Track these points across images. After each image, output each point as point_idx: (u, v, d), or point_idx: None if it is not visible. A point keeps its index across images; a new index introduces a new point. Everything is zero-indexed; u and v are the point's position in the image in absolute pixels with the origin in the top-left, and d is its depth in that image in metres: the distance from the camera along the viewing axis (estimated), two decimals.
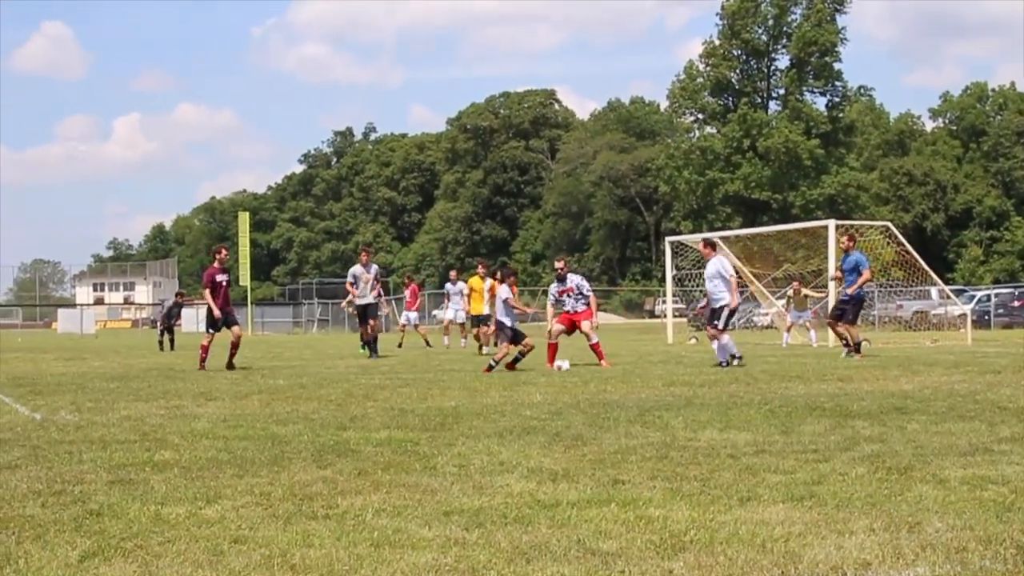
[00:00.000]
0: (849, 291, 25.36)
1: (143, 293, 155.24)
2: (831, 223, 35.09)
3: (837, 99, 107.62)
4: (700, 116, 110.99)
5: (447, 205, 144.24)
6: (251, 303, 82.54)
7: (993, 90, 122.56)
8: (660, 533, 6.29)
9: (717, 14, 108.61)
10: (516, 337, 22.18)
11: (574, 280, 24.06)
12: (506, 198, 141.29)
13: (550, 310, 25.21)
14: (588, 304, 23.87)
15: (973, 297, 61.52)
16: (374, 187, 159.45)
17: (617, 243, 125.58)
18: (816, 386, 16.65)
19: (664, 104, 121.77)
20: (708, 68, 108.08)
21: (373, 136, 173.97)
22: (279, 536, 6.34)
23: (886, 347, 31.54)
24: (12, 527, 6.70)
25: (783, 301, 38.98)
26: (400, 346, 37.00)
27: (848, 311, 25.43)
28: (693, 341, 39.81)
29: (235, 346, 23.97)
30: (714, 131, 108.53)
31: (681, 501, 7.20)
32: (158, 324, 44.16)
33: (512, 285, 22.83)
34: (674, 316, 45.25)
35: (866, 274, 25.63)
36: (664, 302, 53.32)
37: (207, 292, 24.11)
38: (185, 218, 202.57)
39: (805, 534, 6.21)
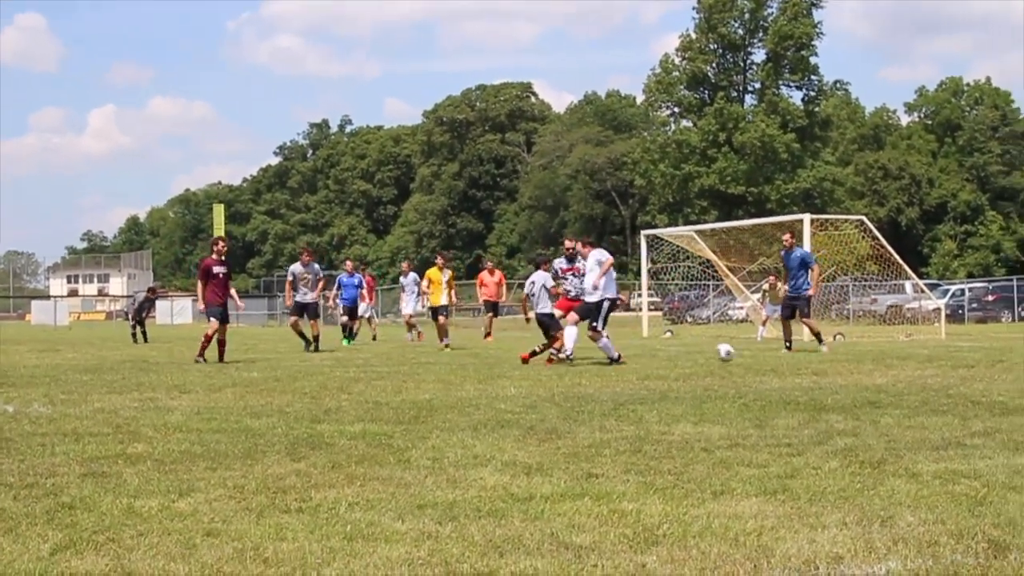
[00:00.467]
0: (811, 292, 25.56)
1: (117, 285, 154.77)
2: (806, 217, 35.24)
3: (813, 93, 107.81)
4: (676, 110, 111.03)
5: (423, 198, 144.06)
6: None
7: (968, 85, 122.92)
8: (633, 527, 6.29)
9: (693, 8, 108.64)
10: (551, 327, 22.39)
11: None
12: (482, 191, 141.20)
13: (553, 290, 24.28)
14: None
15: (947, 291, 61.79)
16: (349, 179, 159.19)
17: (593, 236, 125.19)
18: (790, 380, 16.69)
19: (640, 97, 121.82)
20: (684, 62, 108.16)
21: (349, 128, 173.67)
22: (252, 529, 6.33)
23: (860, 341, 31.63)
24: None
25: (758, 295, 39.07)
26: (374, 339, 37.03)
27: (800, 306, 25.59)
28: (668, 335, 39.90)
29: (221, 343, 23.70)
30: (690, 125, 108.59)
31: (654, 495, 7.20)
32: (129, 317, 44.06)
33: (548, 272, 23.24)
34: (649, 309, 45.35)
35: (817, 268, 25.90)
36: (640, 295, 53.42)
37: (200, 284, 24.02)
38: (160, 210, 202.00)
39: (778, 528, 6.22)
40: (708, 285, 56.59)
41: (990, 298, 64.10)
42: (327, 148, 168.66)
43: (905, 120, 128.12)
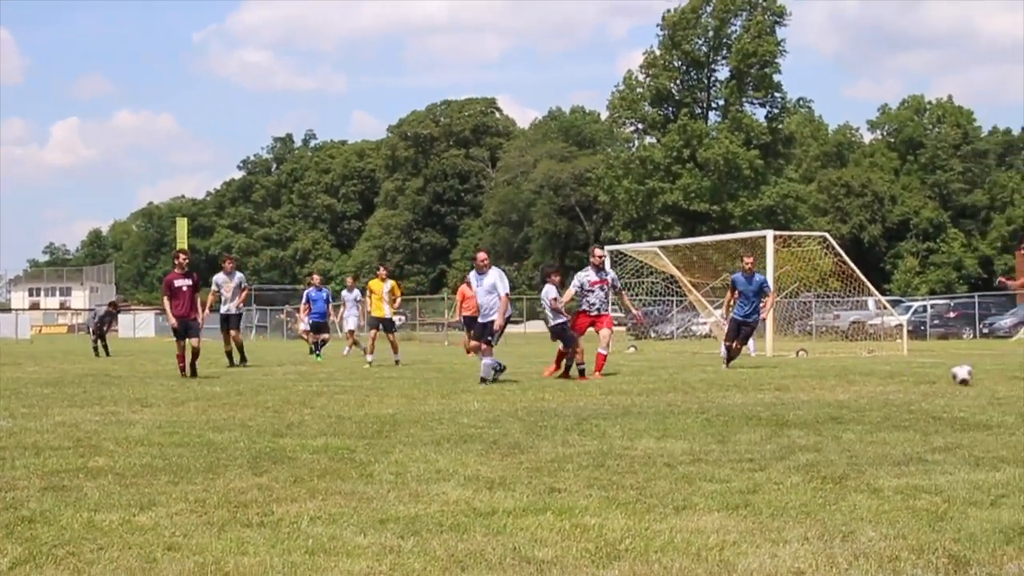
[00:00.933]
0: (764, 316, 25.60)
1: (80, 298, 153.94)
2: (769, 233, 35.36)
3: (776, 110, 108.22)
4: (640, 126, 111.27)
5: (387, 212, 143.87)
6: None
7: (930, 103, 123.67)
8: (595, 541, 6.30)
9: (658, 25, 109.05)
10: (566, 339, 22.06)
11: (611, 273, 23.25)
12: (446, 206, 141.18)
13: (567, 297, 23.20)
14: (607, 307, 23.21)
15: (909, 308, 62.07)
16: (313, 194, 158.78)
17: (556, 252, 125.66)
18: (753, 395, 16.72)
19: (604, 114, 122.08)
20: (648, 78, 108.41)
21: (313, 143, 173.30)
22: (213, 543, 6.31)
23: (823, 357, 31.74)
24: None
25: (721, 311, 39.18)
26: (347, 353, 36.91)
27: (749, 333, 25.62)
28: (632, 350, 39.93)
29: (194, 356, 23.28)
30: (654, 141, 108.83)
31: (617, 510, 7.21)
32: (90, 331, 43.83)
33: (557, 284, 22.43)
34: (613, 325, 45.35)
35: (772, 296, 25.89)
36: None
37: (165, 299, 23.63)
38: (123, 223, 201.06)
39: (740, 543, 6.24)
40: (672, 301, 56.66)
41: (952, 315, 64.45)
42: (291, 162, 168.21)
43: (868, 137, 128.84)
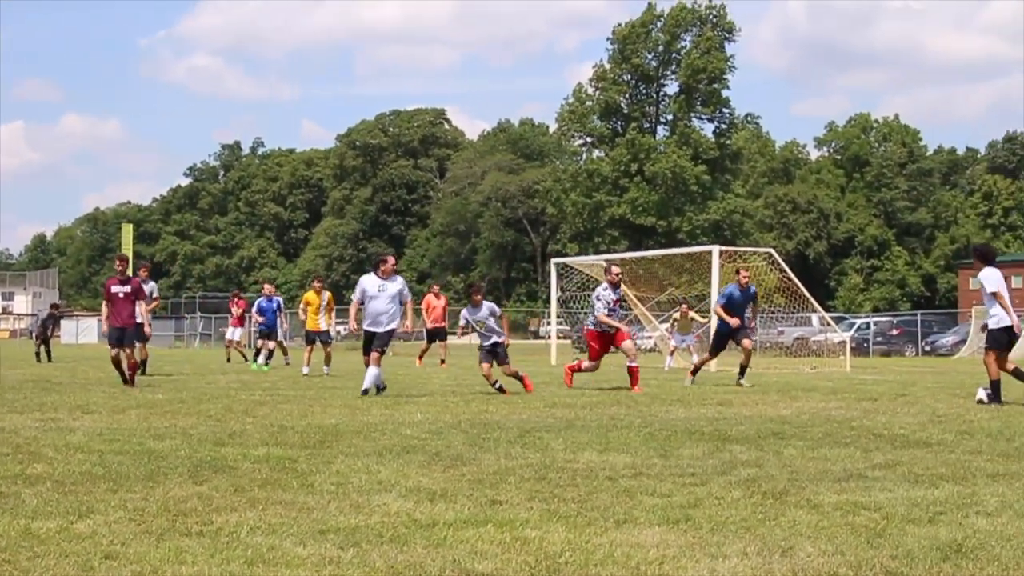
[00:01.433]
0: (753, 323, 25.62)
1: (22, 303, 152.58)
2: (715, 248, 35.45)
3: (724, 126, 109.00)
4: (588, 139, 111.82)
5: (334, 222, 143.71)
6: None
7: (877, 121, 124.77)
8: (536, 554, 6.29)
9: (608, 38, 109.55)
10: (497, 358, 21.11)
11: (621, 291, 22.67)
12: (393, 216, 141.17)
13: (604, 317, 22.43)
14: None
15: (853, 325, 62.43)
16: (261, 202, 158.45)
17: (503, 264, 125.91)
18: (696, 410, 16.77)
19: (553, 126, 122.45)
20: (597, 92, 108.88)
21: (261, 151, 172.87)
22: (151, 552, 6.26)
23: (766, 372, 31.86)
24: None
25: (667, 324, 39.27)
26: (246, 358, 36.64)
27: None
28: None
29: (132, 367, 22.64)
30: (602, 155, 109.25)
31: (558, 523, 7.21)
32: (34, 336, 43.47)
33: (476, 304, 21.35)
34: (558, 337, 45.45)
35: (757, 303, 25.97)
36: (549, 323, 53.50)
37: (104, 305, 22.98)
38: (67, 229, 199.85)
39: (679, 557, 6.25)
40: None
41: (895, 332, 64.94)
42: (239, 170, 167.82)
43: (814, 155, 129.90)
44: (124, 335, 22.59)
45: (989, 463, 10.32)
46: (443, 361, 34.59)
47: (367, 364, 19.76)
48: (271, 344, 33.54)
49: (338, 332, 49.04)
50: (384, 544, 6.54)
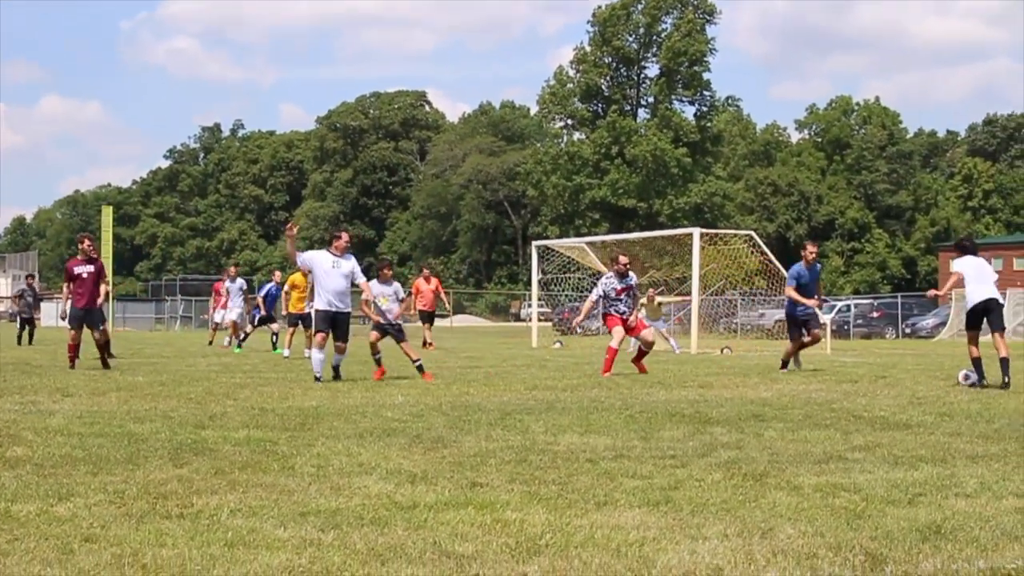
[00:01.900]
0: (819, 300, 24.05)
1: (1, 286, 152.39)
2: (696, 231, 35.48)
3: (705, 109, 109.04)
4: (569, 122, 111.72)
5: (314, 204, 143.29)
6: (113, 298, 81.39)
7: (858, 104, 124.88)
8: (516, 536, 6.30)
9: (588, 21, 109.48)
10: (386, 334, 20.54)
11: (633, 279, 22.09)
12: (374, 199, 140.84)
13: (588, 306, 22.87)
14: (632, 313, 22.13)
15: (833, 307, 62.48)
16: (241, 184, 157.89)
17: (484, 246, 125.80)
18: (677, 392, 16.79)
19: (534, 109, 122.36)
20: (578, 74, 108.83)
21: (241, 133, 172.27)
22: (131, 535, 6.26)
23: (747, 355, 31.92)
24: None
25: (642, 311, 39.30)
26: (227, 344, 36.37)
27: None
28: (558, 345, 40.00)
29: (101, 348, 22.33)
30: (583, 137, 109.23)
31: (538, 505, 7.22)
32: (18, 316, 42.84)
33: (385, 279, 20.82)
34: (539, 320, 45.44)
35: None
36: (530, 306, 53.55)
37: (65, 286, 22.56)
38: (47, 211, 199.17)
39: (659, 539, 6.26)
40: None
41: (875, 314, 65.03)
42: (219, 152, 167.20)
43: (795, 137, 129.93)
44: (88, 316, 22.30)
45: (968, 445, 10.35)
46: (430, 344, 34.19)
47: (320, 345, 18.73)
48: (275, 326, 33.41)
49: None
50: (365, 526, 6.55)
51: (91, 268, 22.34)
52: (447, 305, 35.21)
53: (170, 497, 7.39)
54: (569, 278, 47.61)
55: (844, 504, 7.33)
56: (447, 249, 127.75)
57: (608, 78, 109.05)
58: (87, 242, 22.71)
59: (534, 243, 44.72)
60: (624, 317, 21.76)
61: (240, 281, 34.66)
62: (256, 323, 34.36)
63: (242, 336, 33.87)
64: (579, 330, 55.22)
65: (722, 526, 6.61)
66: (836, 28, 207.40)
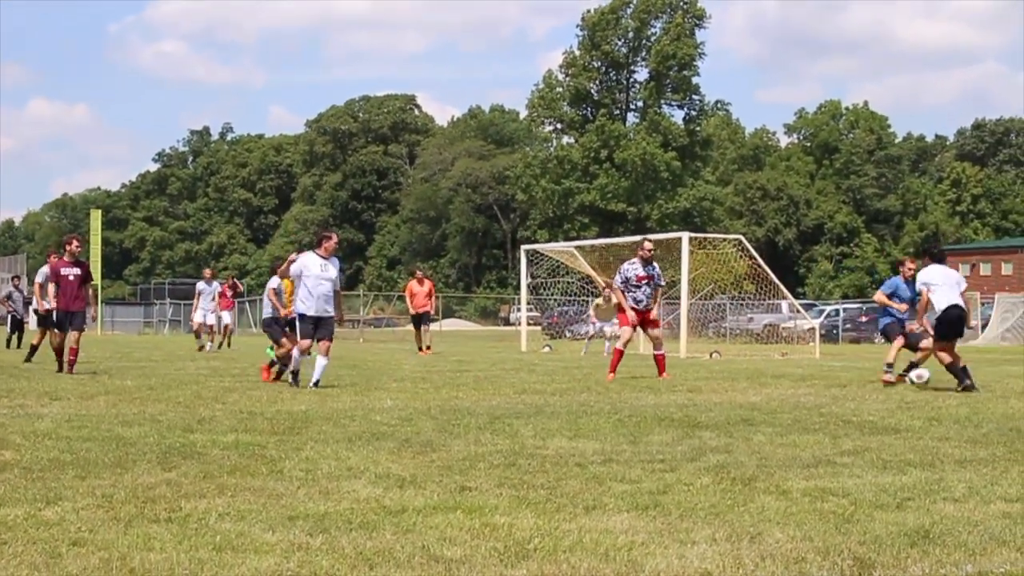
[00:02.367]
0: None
1: None
2: (685, 235, 35.48)
3: (694, 113, 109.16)
4: (558, 126, 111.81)
5: (304, 208, 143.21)
6: (101, 302, 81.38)
7: (847, 108, 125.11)
8: (504, 540, 6.30)
9: (577, 25, 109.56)
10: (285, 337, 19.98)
11: (657, 269, 21.36)
12: (363, 202, 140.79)
13: (620, 294, 21.34)
14: (653, 304, 21.43)
15: (822, 311, 62.60)
16: (230, 188, 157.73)
17: (473, 250, 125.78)
18: (666, 396, 16.79)
19: (524, 113, 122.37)
20: (567, 78, 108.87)
21: (230, 136, 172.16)
22: (119, 539, 6.25)
23: (736, 359, 31.93)
24: None
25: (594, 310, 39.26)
26: (221, 347, 36.22)
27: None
28: (547, 349, 40.01)
29: (72, 352, 21.61)
30: (572, 141, 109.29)
31: (527, 509, 7.22)
32: (8, 315, 42.47)
33: (282, 275, 20.39)
34: (528, 324, 45.43)
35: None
36: (519, 310, 53.52)
37: (50, 287, 22.16)
38: (35, 214, 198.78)
39: (648, 543, 6.26)
40: (587, 301, 56.77)
41: (864, 319, 64.98)
42: (208, 156, 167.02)
43: (784, 141, 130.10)
44: (70, 319, 21.80)
45: (957, 449, 10.37)
46: (428, 347, 33.85)
47: (304, 349, 18.27)
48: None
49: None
50: (353, 530, 6.55)
51: (77, 271, 21.96)
52: (431, 310, 34.75)
53: (158, 501, 7.37)
54: (558, 282, 47.67)
55: (832, 508, 7.34)
56: (436, 253, 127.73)
57: (597, 82, 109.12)
58: (75, 243, 22.23)
59: (523, 247, 44.71)
60: (639, 308, 21.01)
61: (215, 284, 34.60)
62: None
63: (202, 339, 33.95)
64: (568, 334, 55.35)
65: (711, 530, 6.61)
66: (825, 32, 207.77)
